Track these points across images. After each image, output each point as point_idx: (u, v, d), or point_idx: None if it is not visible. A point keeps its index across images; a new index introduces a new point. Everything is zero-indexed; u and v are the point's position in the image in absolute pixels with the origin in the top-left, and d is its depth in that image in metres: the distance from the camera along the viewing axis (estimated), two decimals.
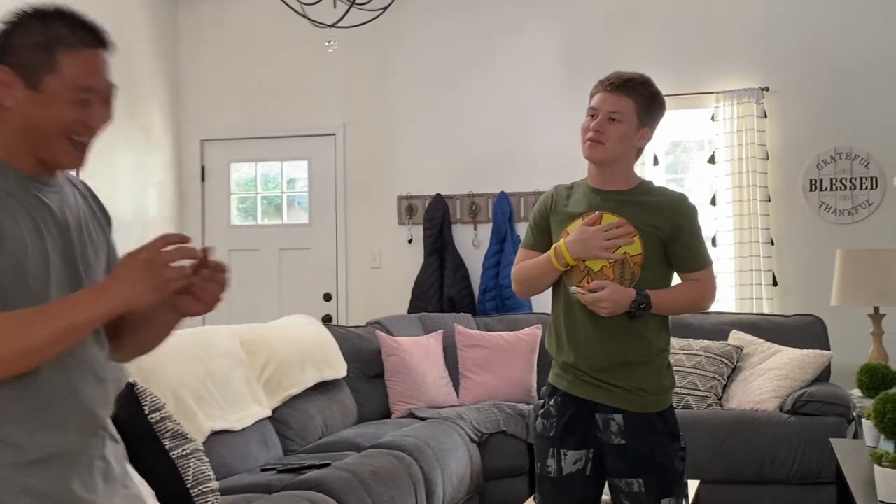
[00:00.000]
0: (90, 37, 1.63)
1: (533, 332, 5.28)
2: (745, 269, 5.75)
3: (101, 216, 1.79)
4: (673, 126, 5.90)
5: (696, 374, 4.92)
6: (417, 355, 5.08)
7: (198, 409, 3.39)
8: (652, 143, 3.33)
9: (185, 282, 1.59)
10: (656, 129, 2.77)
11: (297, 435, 4.15)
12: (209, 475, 2.89)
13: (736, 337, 5.16)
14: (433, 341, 5.27)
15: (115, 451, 1.73)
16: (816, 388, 4.75)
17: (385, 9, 4.07)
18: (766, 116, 5.79)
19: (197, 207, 6.78)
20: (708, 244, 5.66)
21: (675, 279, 2.76)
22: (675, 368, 4.73)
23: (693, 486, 3.77)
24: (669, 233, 2.64)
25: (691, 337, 5.14)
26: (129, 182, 6.24)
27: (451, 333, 5.37)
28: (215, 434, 3.46)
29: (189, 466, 2.82)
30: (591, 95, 2.74)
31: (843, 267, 4.74)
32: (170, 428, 2.86)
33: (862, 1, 5.72)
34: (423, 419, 4.70)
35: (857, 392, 4.13)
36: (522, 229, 6.14)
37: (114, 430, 1.74)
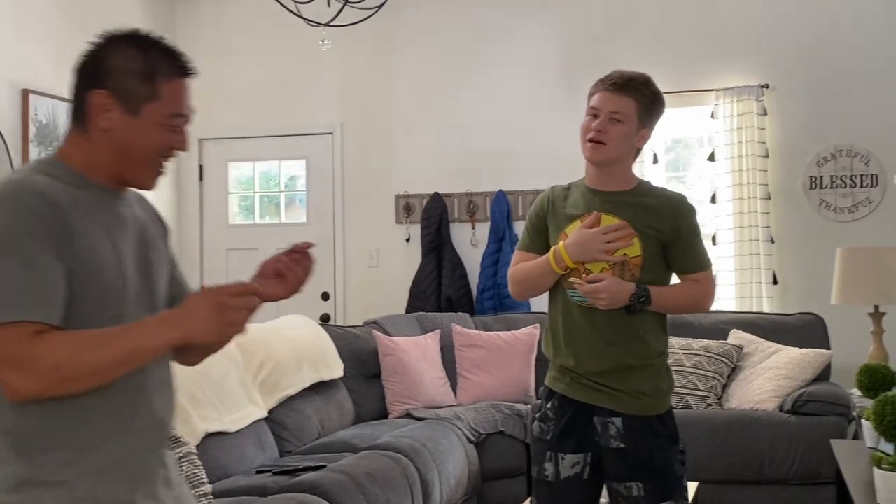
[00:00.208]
0: (183, 66, 1.72)
1: (531, 332, 5.25)
2: (745, 268, 5.72)
3: (162, 227, 1.86)
4: (673, 124, 5.88)
5: (696, 374, 4.89)
6: (415, 355, 5.05)
7: (192, 410, 3.37)
8: (651, 141, 3.31)
9: (245, 329, 1.63)
10: (654, 128, 2.74)
11: (293, 436, 4.13)
12: (202, 478, 2.86)
13: (736, 336, 5.13)
14: (430, 341, 5.24)
15: (172, 456, 1.79)
16: (816, 387, 4.72)
17: (379, 7, 4.04)
18: (766, 114, 5.75)
19: (195, 206, 6.75)
20: (708, 242, 5.73)
21: (674, 281, 2.73)
22: (674, 368, 4.72)
23: (692, 487, 3.74)
24: (669, 234, 2.62)
25: (691, 336, 5.11)
26: None
27: (448, 333, 5.34)
28: (210, 435, 3.43)
29: (182, 470, 2.79)
30: (591, 95, 2.70)
31: (843, 265, 4.71)
32: None
33: None
34: (420, 420, 4.67)
35: (857, 391, 4.10)
36: (521, 228, 6.09)
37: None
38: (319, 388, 4.49)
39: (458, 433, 4.49)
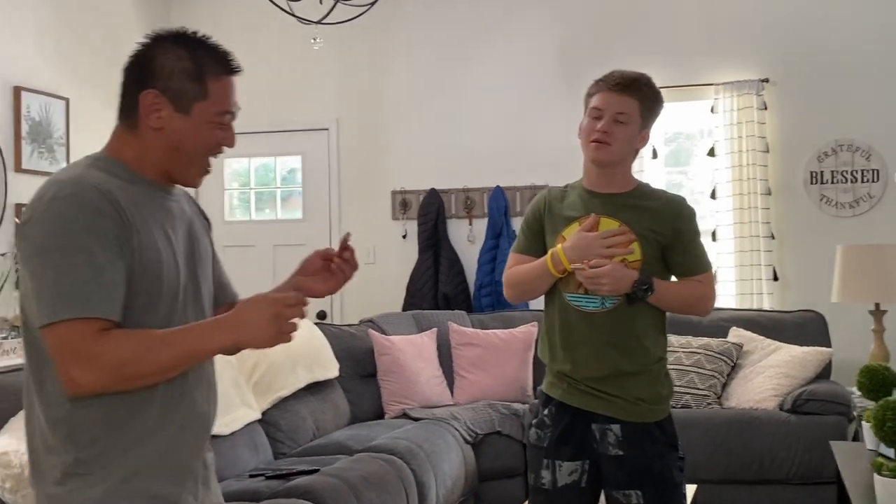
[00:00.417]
0: (230, 64, 1.75)
1: (528, 330, 5.20)
2: (746, 264, 5.67)
3: (206, 223, 1.90)
4: (672, 118, 5.82)
5: (696, 373, 4.84)
6: (411, 354, 5.00)
7: None
8: (650, 138, 3.25)
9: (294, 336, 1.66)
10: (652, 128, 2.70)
11: (287, 437, 4.08)
12: None
13: (735, 334, 5.09)
14: (427, 340, 5.20)
15: (211, 458, 1.82)
16: (816, 386, 4.68)
17: (371, 5, 3.97)
18: (766, 108, 5.70)
19: None
20: (708, 238, 5.69)
21: None
22: (673, 367, 4.71)
23: (691, 490, 3.70)
24: (669, 237, 2.58)
25: (690, 334, 5.06)
26: None
27: (445, 331, 5.29)
28: None
29: None
30: (590, 95, 2.64)
31: (843, 263, 4.66)
32: None
33: None
34: (416, 420, 4.62)
35: (857, 391, 4.05)
36: (518, 224, 6.05)
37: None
38: (314, 388, 4.44)
39: (454, 433, 4.45)
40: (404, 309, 6.04)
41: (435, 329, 5.29)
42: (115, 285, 1.56)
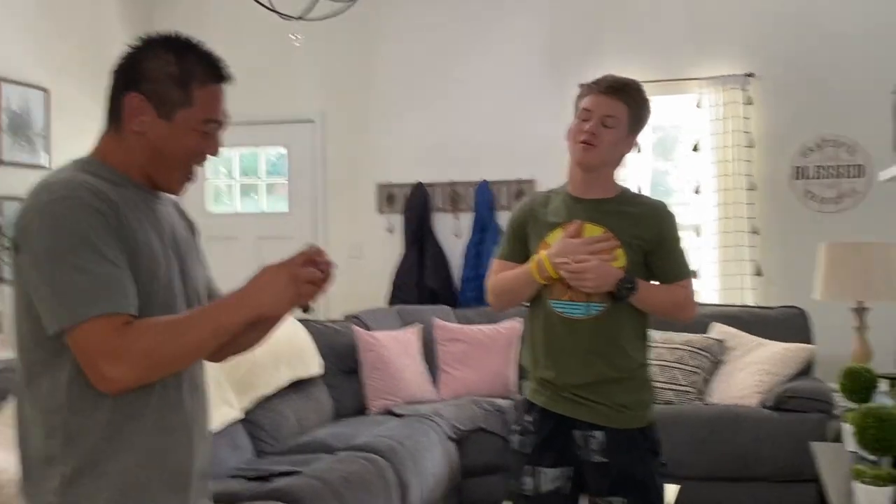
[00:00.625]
0: (219, 71, 1.73)
1: (513, 326, 5.19)
2: (729, 259, 5.68)
3: (193, 229, 1.89)
4: (657, 113, 5.79)
5: (678, 369, 4.85)
6: (395, 350, 4.99)
7: None
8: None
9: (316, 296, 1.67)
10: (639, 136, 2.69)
11: (269, 436, 4.06)
12: None
13: (718, 330, 5.09)
14: (411, 335, 5.18)
15: (209, 473, 1.84)
16: (799, 383, 4.69)
17: (353, 1, 3.93)
18: (751, 103, 5.69)
19: None
20: (692, 233, 5.68)
21: None
22: (656, 362, 4.72)
23: (674, 490, 3.70)
24: (652, 242, 2.58)
25: (672, 330, 5.05)
26: None
27: (430, 327, 5.27)
28: None
29: None
30: (580, 97, 2.64)
31: (826, 261, 4.66)
32: None
33: None
34: (399, 416, 4.61)
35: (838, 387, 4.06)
36: (503, 218, 6.02)
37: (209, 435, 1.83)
38: (297, 385, 4.42)
39: (437, 430, 4.44)
40: (389, 303, 6.02)
41: (419, 325, 5.27)
42: (128, 279, 1.58)
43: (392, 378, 4.88)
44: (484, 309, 5.62)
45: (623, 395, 2.56)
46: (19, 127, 5.41)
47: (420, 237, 6.11)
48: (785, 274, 5.65)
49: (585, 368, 2.55)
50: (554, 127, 5.96)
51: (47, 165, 5.52)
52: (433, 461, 4.19)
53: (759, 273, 5.66)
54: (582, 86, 2.66)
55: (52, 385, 1.59)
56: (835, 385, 4.30)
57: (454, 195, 6.17)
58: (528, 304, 2.66)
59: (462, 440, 4.60)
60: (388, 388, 4.86)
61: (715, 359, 4.93)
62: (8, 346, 1.74)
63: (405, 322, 5.33)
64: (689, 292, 2.65)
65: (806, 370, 4.92)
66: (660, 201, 2.69)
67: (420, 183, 6.18)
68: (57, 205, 1.56)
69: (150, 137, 1.68)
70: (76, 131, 5.35)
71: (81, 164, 1.69)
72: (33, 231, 1.56)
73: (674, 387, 4.80)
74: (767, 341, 4.94)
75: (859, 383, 3.27)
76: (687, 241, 5.65)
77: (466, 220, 6.13)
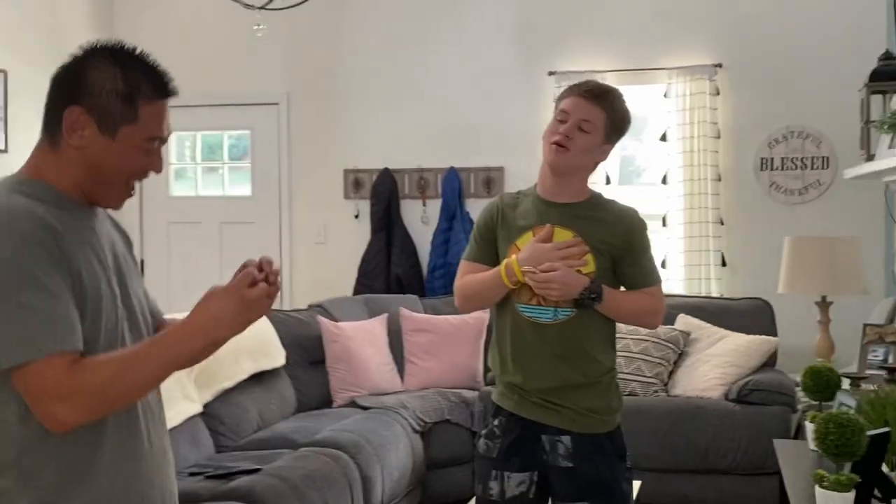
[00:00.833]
0: (164, 87, 1.65)
1: (480, 316, 5.14)
2: (695, 249, 5.70)
3: (128, 240, 1.82)
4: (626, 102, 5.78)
5: (643, 360, 4.85)
6: (361, 341, 4.94)
7: None
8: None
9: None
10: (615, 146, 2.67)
11: (230, 430, 4.01)
12: None
13: (683, 321, 5.10)
14: (378, 325, 5.14)
15: (172, 474, 1.79)
16: (762, 376, 4.71)
17: None
18: (718, 94, 5.69)
19: None
20: (658, 223, 5.68)
21: None
22: (621, 354, 4.71)
23: (635, 486, 3.71)
24: (621, 248, 2.56)
25: None
26: None
27: (396, 316, 5.23)
28: None
29: None
30: (560, 99, 2.61)
31: (790, 255, 4.68)
32: None
33: None
34: (364, 409, 4.58)
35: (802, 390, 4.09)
36: (472, 206, 6.03)
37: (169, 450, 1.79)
38: (260, 377, 4.36)
39: (402, 423, 4.41)
40: (356, 290, 5.98)
41: (386, 314, 5.23)
42: (73, 312, 1.52)
43: (357, 369, 4.84)
44: (451, 298, 5.58)
45: (590, 400, 2.55)
46: None
47: (387, 224, 6.06)
48: (750, 264, 5.68)
49: (552, 373, 2.53)
50: (523, 115, 5.96)
51: (3, 148, 5.40)
52: (398, 455, 4.17)
53: (724, 263, 5.68)
54: (567, 87, 2.64)
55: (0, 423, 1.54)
56: (797, 377, 4.34)
57: (422, 182, 6.12)
58: (496, 307, 2.63)
59: (427, 432, 4.58)
60: (353, 380, 4.82)
61: (679, 350, 4.94)
62: None
63: (372, 312, 5.28)
64: (657, 300, 2.63)
65: (769, 362, 4.95)
66: (630, 208, 2.66)
67: (387, 169, 6.12)
68: None
69: (90, 153, 1.60)
70: (34, 113, 5.18)
71: (15, 185, 1.60)
72: None
73: (638, 378, 4.81)
74: (732, 333, 4.96)
75: (822, 382, 3.27)
76: (654, 231, 5.70)
77: (434, 207, 6.08)
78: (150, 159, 1.65)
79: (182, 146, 6.62)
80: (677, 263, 5.73)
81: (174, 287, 6.38)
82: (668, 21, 5.79)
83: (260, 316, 1.62)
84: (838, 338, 4.73)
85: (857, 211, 5.45)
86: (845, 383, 3.57)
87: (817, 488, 2.49)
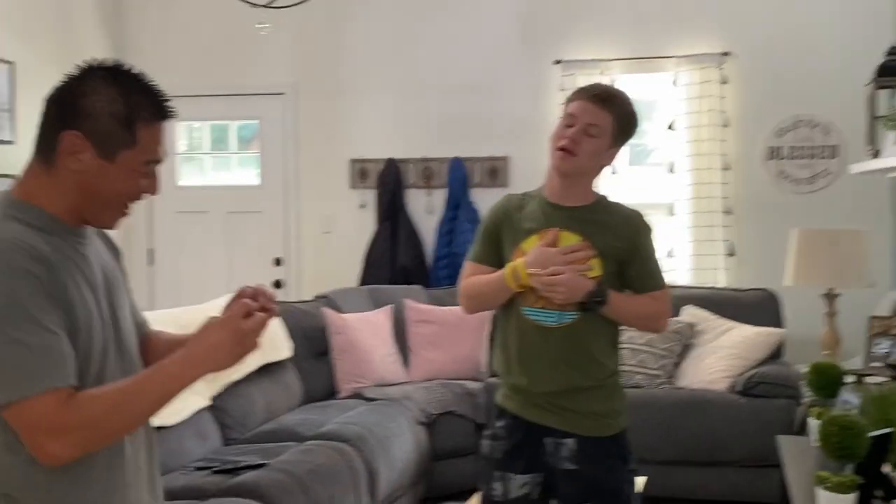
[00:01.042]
0: (164, 109, 1.63)
1: None
2: (702, 239, 5.68)
3: (116, 255, 1.79)
4: (633, 91, 5.75)
5: (648, 352, 4.86)
6: (365, 332, 4.96)
7: None
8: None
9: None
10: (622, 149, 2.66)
11: (237, 423, 4.03)
12: None
13: (689, 313, 5.10)
14: (382, 317, 5.15)
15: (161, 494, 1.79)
16: (767, 368, 4.71)
17: None
18: (726, 82, 5.65)
19: None
20: (665, 214, 5.66)
21: None
22: (627, 346, 4.72)
23: (640, 482, 3.71)
24: (627, 252, 2.56)
25: None
26: None
27: (401, 308, 5.25)
28: None
29: None
30: (568, 102, 2.59)
31: (798, 247, 4.66)
32: None
33: None
34: (369, 400, 4.60)
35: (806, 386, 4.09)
36: (477, 196, 6.03)
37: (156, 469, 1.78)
38: (266, 369, 4.37)
39: (407, 415, 4.43)
40: (362, 280, 5.99)
41: (391, 306, 5.24)
42: (67, 346, 1.51)
43: (362, 361, 4.86)
44: (456, 289, 5.59)
45: (595, 403, 2.55)
46: None
47: (393, 213, 6.07)
48: (757, 254, 5.66)
49: (557, 376, 2.53)
50: (529, 104, 5.95)
51: (12, 140, 5.41)
52: (402, 447, 4.19)
53: (731, 253, 5.66)
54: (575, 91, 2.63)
55: None
56: (804, 368, 4.34)
57: (427, 171, 6.12)
58: (501, 309, 2.63)
59: (431, 424, 4.60)
60: (358, 371, 4.84)
61: (685, 342, 4.94)
62: None
63: (376, 303, 5.30)
64: (662, 304, 2.62)
65: (776, 353, 4.95)
66: (636, 211, 2.65)
67: (392, 159, 6.11)
68: None
69: (88, 177, 1.58)
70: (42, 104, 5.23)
71: (6, 209, 1.57)
72: None
73: (643, 370, 4.81)
74: (738, 325, 4.96)
75: (826, 379, 3.28)
76: (660, 220, 5.70)
77: (439, 197, 6.08)
78: (148, 182, 1.64)
79: (191, 135, 6.62)
80: (684, 253, 5.71)
81: (182, 275, 6.42)
82: (675, 9, 5.75)
83: (253, 349, 1.61)
84: (844, 330, 4.72)
85: (866, 201, 5.43)
86: (850, 379, 3.57)
87: (819, 490, 2.50)
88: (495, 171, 6.01)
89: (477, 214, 5.90)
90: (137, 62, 5.83)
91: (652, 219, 5.18)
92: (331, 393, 4.82)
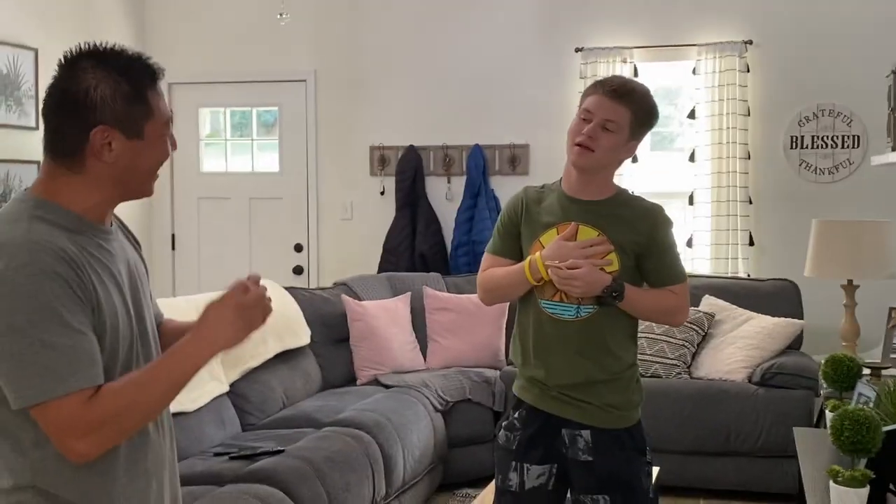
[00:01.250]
0: (155, 70, 1.66)
1: None
2: (722, 229, 5.65)
3: (138, 247, 1.83)
4: (654, 79, 5.74)
5: (666, 342, 4.85)
6: (384, 320, 4.99)
7: None
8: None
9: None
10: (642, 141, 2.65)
11: (256, 409, 4.08)
12: None
13: (708, 302, 5.09)
14: (401, 304, 5.18)
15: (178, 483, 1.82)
16: (786, 359, 4.70)
17: None
18: (748, 71, 5.61)
19: None
20: (685, 202, 5.64)
21: None
22: (644, 335, 4.72)
23: (654, 471, 3.72)
24: (646, 245, 2.55)
25: None
26: None
27: (419, 295, 5.27)
28: None
29: None
30: (585, 96, 2.57)
31: (818, 238, 4.64)
32: None
33: None
34: (387, 387, 4.63)
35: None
36: (496, 183, 6.03)
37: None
38: (285, 356, 4.42)
39: (424, 402, 4.46)
40: (381, 266, 6.01)
41: (409, 293, 5.26)
42: (94, 345, 1.54)
43: (380, 348, 4.89)
44: (474, 277, 5.60)
45: (611, 396, 2.56)
46: (7, 88, 5.34)
47: (412, 201, 6.08)
48: (778, 244, 5.63)
49: (574, 369, 2.54)
50: (549, 92, 5.93)
51: (34, 126, 5.47)
52: (419, 434, 4.22)
53: (751, 242, 5.64)
54: (592, 84, 2.61)
55: (14, 447, 1.56)
56: (822, 359, 4.32)
57: (447, 159, 6.12)
58: (519, 301, 2.65)
59: (448, 411, 4.63)
60: (377, 358, 4.87)
61: (703, 332, 4.94)
62: None
63: (395, 290, 5.32)
64: (680, 298, 2.61)
65: (795, 344, 4.93)
66: (655, 204, 2.63)
67: (412, 146, 6.12)
68: (16, 273, 1.48)
69: (124, 161, 1.61)
70: None
71: (33, 210, 1.58)
72: None
73: (661, 360, 4.81)
74: (757, 315, 4.94)
75: (842, 372, 3.27)
76: (680, 209, 5.68)
77: (459, 185, 6.08)
78: (171, 142, 1.69)
79: (216, 121, 6.66)
80: (704, 242, 5.69)
81: (203, 261, 6.48)
82: None
83: (257, 324, 1.67)
84: (864, 321, 4.70)
85: (888, 191, 5.38)
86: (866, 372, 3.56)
87: (832, 483, 2.50)
88: (515, 158, 6.01)
89: (497, 202, 5.91)
90: (159, 49, 5.92)
91: (672, 207, 5.17)
92: (349, 380, 4.85)
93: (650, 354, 4.79)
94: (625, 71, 5.63)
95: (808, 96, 5.60)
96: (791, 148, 5.65)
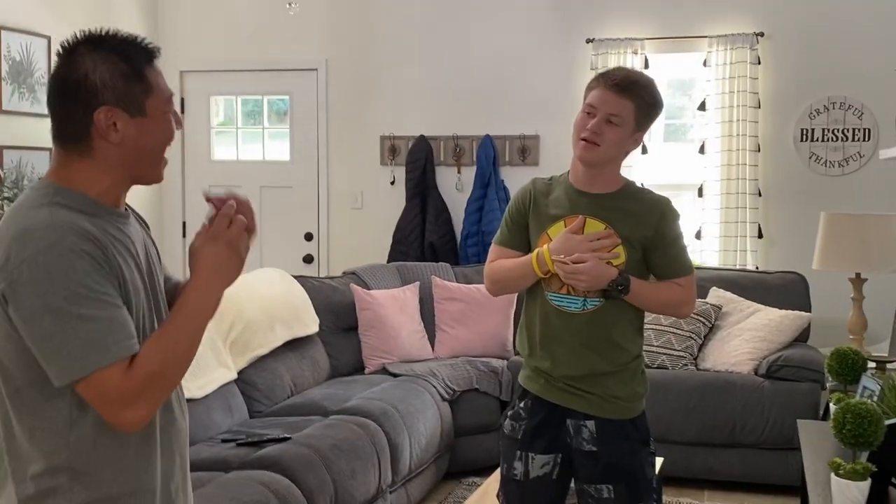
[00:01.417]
0: (151, 49, 1.69)
1: None
2: (731, 221, 5.65)
3: (146, 226, 1.85)
4: (664, 70, 5.73)
5: (673, 334, 4.86)
6: (392, 309, 5.02)
7: None
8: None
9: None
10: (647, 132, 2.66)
11: (263, 396, 4.12)
12: None
13: (715, 294, 5.09)
14: (409, 294, 5.20)
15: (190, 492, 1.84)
16: (792, 351, 4.70)
17: None
18: (759, 63, 5.60)
19: (176, 141, 6.59)
20: (694, 194, 5.64)
21: None
22: (651, 327, 4.74)
23: (657, 462, 3.74)
24: (653, 239, 2.56)
25: None
26: None
27: (428, 285, 5.30)
28: None
29: None
30: (589, 89, 2.57)
31: (826, 231, 4.63)
32: None
33: None
34: (394, 376, 4.66)
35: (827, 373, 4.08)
36: (507, 174, 6.04)
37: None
38: (293, 344, 4.46)
39: (431, 391, 4.49)
40: (390, 256, 6.04)
41: (418, 282, 5.29)
42: (128, 318, 1.58)
43: (388, 336, 4.92)
44: (483, 267, 5.62)
45: (616, 387, 2.57)
46: (20, 75, 5.38)
47: (422, 191, 6.09)
48: (786, 236, 5.63)
49: (580, 361, 2.56)
50: (560, 83, 5.93)
51: (48, 113, 5.50)
52: (426, 423, 4.25)
53: (760, 235, 5.63)
54: (595, 77, 2.62)
55: (50, 428, 1.59)
56: (829, 352, 4.33)
57: (457, 149, 6.13)
58: (526, 292, 2.66)
59: (455, 400, 4.66)
60: (385, 347, 4.90)
61: (710, 324, 4.94)
62: None
63: (404, 279, 5.35)
64: (686, 291, 2.62)
65: (802, 336, 4.94)
66: (663, 197, 2.63)
67: (423, 136, 6.14)
68: (46, 255, 1.52)
69: (131, 142, 1.63)
70: None
71: (52, 197, 1.61)
72: (23, 284, 1.51)
73: (668, 351, 4.83)
74: (764, 307, 4.95)
75: (847, 365, 3.28)
76: (690, 201, 5.68)
77: (469, 175, 6.10)
78: (174, 119, 1.71)
79: (228, 109, 6.69)
80: (712, 234, 5.69)
81: None
82: None
83: (246, 252, 1.70)
84: (872, 315, 4.70)
85: None
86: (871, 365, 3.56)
87: (833, 476, 2.51)
88: (525, 149, 6.01)
89: (507, 193, 5.92)
90: (171, 36, 5.95)
91: (681, 199, 5.16)
92: (357, 368, 4.89)
93: (657, 345, 4.80)
94: (636, 62, 5.62)
95: (818, 89, 5.58)
96: (801, 140, 5.64)
